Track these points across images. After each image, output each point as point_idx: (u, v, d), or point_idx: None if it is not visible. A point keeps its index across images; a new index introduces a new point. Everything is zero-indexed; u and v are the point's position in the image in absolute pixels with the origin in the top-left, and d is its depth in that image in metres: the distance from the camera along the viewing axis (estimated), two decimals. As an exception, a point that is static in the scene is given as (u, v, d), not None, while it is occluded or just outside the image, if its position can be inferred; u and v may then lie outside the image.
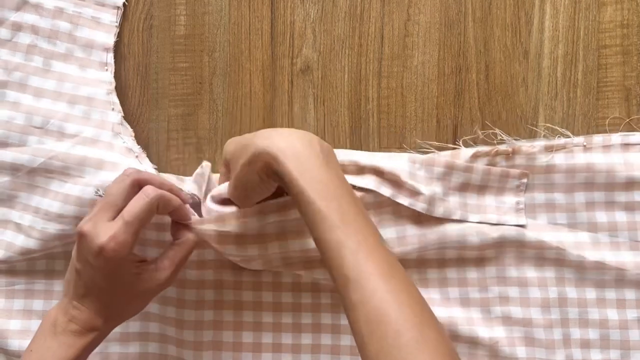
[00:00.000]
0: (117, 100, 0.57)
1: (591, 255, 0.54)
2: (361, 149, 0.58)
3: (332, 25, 0.58)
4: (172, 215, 0.50)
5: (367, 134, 0.58)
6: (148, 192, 0.47)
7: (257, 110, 0.59)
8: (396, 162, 0.54)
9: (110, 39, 0.58)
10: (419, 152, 0.57)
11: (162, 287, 0.48)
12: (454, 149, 0.56)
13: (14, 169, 0.56)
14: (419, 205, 0.53)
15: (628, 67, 0.57)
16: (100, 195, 0.52)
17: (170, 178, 0.56)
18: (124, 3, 0.59)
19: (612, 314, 0.54)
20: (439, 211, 0.54)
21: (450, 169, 0.54)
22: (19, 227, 0.56)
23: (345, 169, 0.54)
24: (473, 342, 0.54)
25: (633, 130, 0.56)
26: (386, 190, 0.53)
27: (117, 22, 0.59)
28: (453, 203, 0.54)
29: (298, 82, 0.58)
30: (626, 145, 0.55)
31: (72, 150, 0.56)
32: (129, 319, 0.50)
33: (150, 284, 0.48)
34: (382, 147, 0.58)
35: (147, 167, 0.57)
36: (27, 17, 0.58)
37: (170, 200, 0.48)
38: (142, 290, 0.48)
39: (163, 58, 0.59)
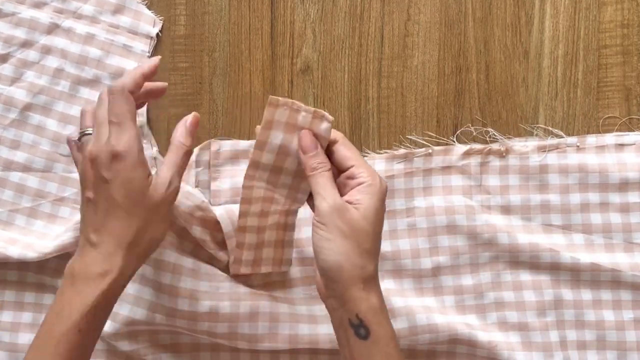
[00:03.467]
0: (149, 132, 0.58)
1: (585, 257, 0.54)
2: (361, 149, 0.58)
3: (332, 25, 0.58)
4: (148, 95, 0.50)
5: (367, 134, 0.58)
6: (111, 90, 0.45)
7: (257, 110, 0.59)
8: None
9: None
10: (416, 145, 0.57)
11: (167, 194, 0.46)
12: (448, 144, 0.57)
13: (38, 195, 0.57)
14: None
15: (628, 67, 0.57)
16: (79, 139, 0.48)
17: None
18: (157, 33, 0.58)
19: (608, 315, 0.54)
20: None
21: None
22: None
23: None
24: (472, 345, 0.54)
25: (633, 129, 0.56)
26: None
27: (149, 52, 0.58)
28: None
29: (298, 82, 0.59)
30: (620, 146, 0.55)
31: None
32: (147, 255, 0.47)
33: (157, 192, 0.45)
34: (382, 147, 0.58)
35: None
36: (58, 41, 0.58)
37: (131, 77, 0.47)
38: (153, 201, 0.45)
39: (163, 58, 0.58)
